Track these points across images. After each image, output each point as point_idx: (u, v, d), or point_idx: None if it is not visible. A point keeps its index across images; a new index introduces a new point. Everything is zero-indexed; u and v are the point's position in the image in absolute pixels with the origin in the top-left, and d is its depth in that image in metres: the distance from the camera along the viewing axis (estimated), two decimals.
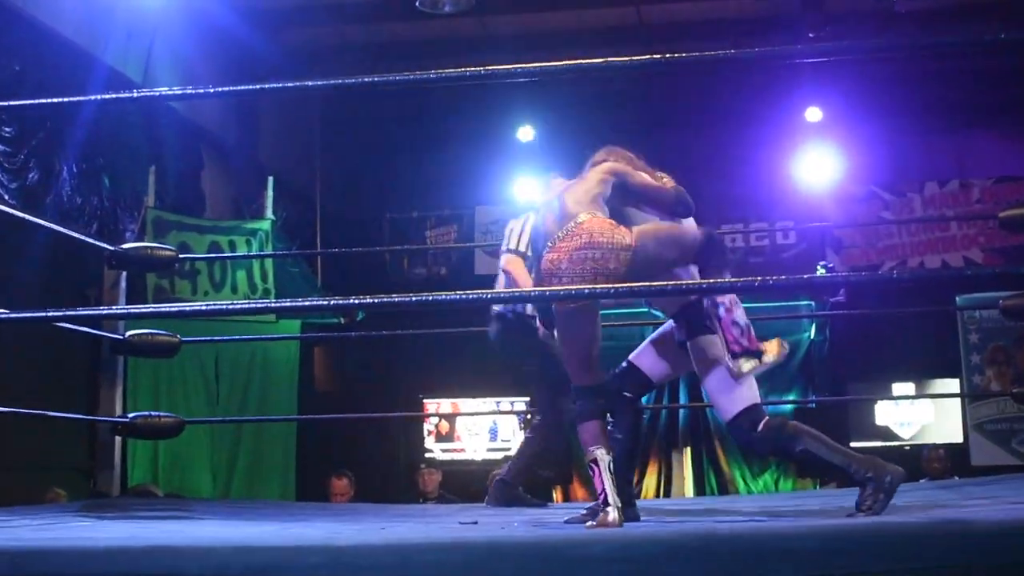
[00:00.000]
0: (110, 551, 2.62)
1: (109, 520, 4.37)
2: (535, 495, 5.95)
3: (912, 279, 5.17)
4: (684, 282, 3.85)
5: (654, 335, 4.22)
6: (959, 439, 11.20)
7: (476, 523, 4.28)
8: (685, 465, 12.12)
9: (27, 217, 4.97)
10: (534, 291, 4.09)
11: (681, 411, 11.98)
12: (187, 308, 4.02)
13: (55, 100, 4.08)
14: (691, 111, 12.22)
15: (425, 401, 12.55)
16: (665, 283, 3.84)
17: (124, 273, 5.88)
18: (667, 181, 4.15)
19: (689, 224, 4.13)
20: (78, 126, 7.83)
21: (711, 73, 11.10)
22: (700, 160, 10.94)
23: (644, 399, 4.53)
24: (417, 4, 9.24)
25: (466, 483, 10.25)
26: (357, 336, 10.94)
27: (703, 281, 3.81)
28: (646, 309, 10.21)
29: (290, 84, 3.45)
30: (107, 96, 3.67)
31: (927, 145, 12.48)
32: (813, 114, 11.83)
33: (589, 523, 3.84)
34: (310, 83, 3.36)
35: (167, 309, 3.88)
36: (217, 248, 9.02)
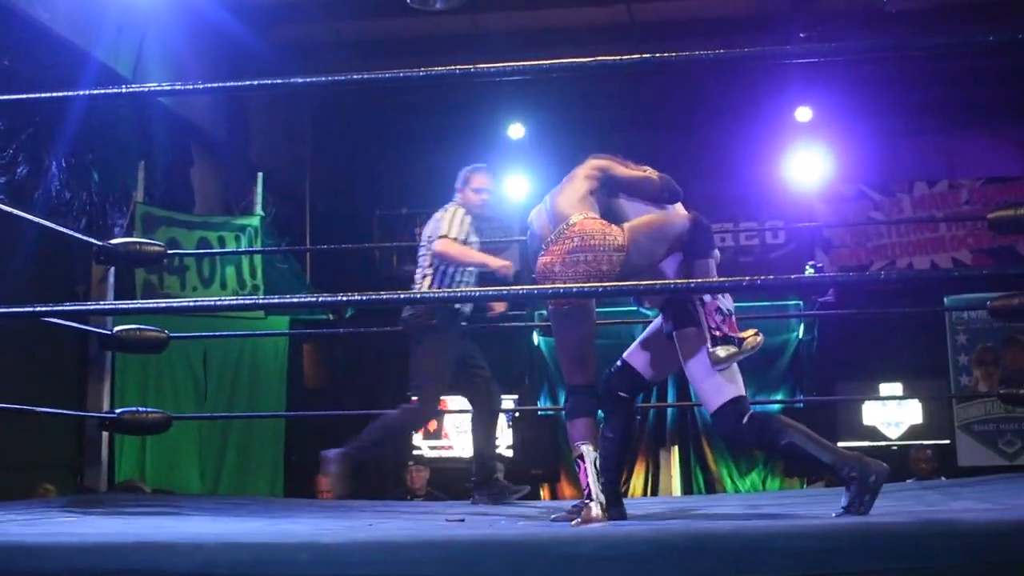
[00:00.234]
0: (97, 547, 2.62)
1: (96, 516, 4.37)
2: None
3: (900, 280, 5.19)
4: (675, 281, 3.86)
5: (645, 333, 4.23)
6: (946, 440, 11.23)
7: (463, 520, 4.29)
8: (673, 464, 12.13)
9: (15, 212, 4.96)
10: (524, 288, 4.09)
11: (669, 410, 11.99)
12: (175, 304, 4.01)
13: (44, 96, 4.06)
14: (681, 110, 12.23)
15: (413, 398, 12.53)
16: (653, 282, 3.85)
17: (112, 268, 5.86)
18: (651, 173, 4.18)
19: (676, 211, 4.14)
20: (67, 121, 7.80)
21: (701, 72, 11.11)
22: (690, 159, 10.94)
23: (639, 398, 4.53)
24: (408, 1, 9.22)
25: (454, 480, 10.23)
26: (346, 332, 10.93)
27: (691, 280, 3.82)
28: (635, 308, 10.28)
29: (280, 81, 3.44)
30: (96, 92, 3.66)
31: (917, 145, 12.51)
32: (803, 114, 11.86)
33: (576, 520, 3.85)
34: (300, 80, 3.36)
35: (156, 305, 3.86)
36: (206, 244, 9.01)
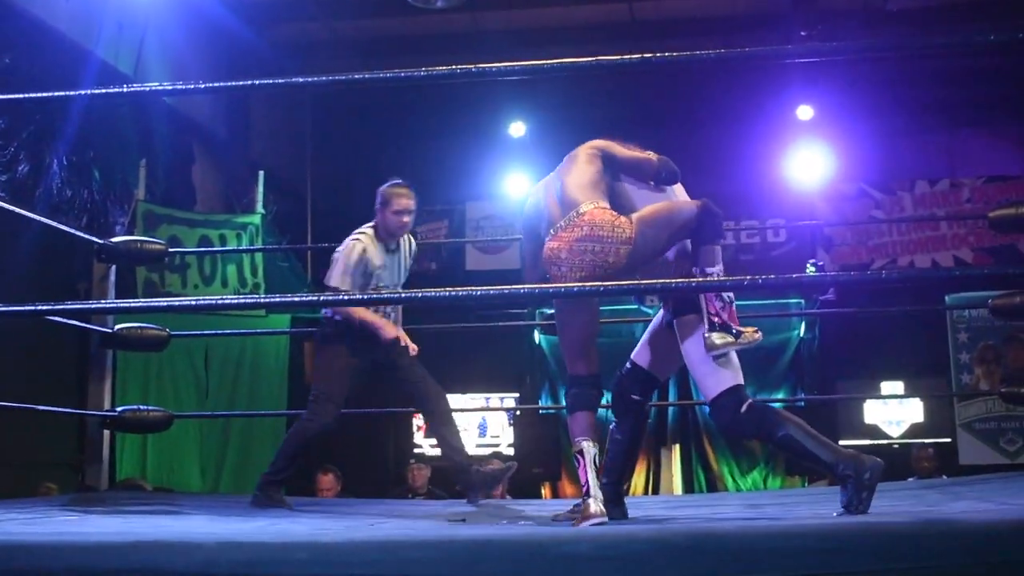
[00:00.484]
0: (97, 546, 2.62)
1: (97, 515, 4.37)
2: (525, 491, 5.97)
3: (902, 279, 5.21)
4: (674, 280, 3.85)
5: (648, 331, 4.22)
6: (947, 438, 11.22)
7: (464, 520, 4.29)
8: (674, 462, 12.12)
9: (16, 210, 4.96)
10: (524, 288, 4.09)
11: (670, 408, 11.98)
12: (176, 303, 4.02)
13: (46, 95, 4.06)
14: (682, 108, 12.22)
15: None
16: (653, 281, 3.85)
17: (114, 266, 5.86)
18: (650, 155, 4.18)
19: (682, 199, 4.14)
20: (68, 119, 7.81)
21: (703, 71, 11.10)
22: (691, 157, 10.80)
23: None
24: None
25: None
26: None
27: (691, 280, 3.82)
28: (637, 307, 10.28)
29: (281, 80, 3.44)
30: (97, 91, 3.66)
31: (918, 144, 12.50)
32: (804, 112, 11.86)
33: (576, 519, 3.84)
34: (301, 79, 3.37)
35: (157, 303, 3.87)
36: (207, 242, 9.01)
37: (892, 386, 11.94)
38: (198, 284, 8.96)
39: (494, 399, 12.43)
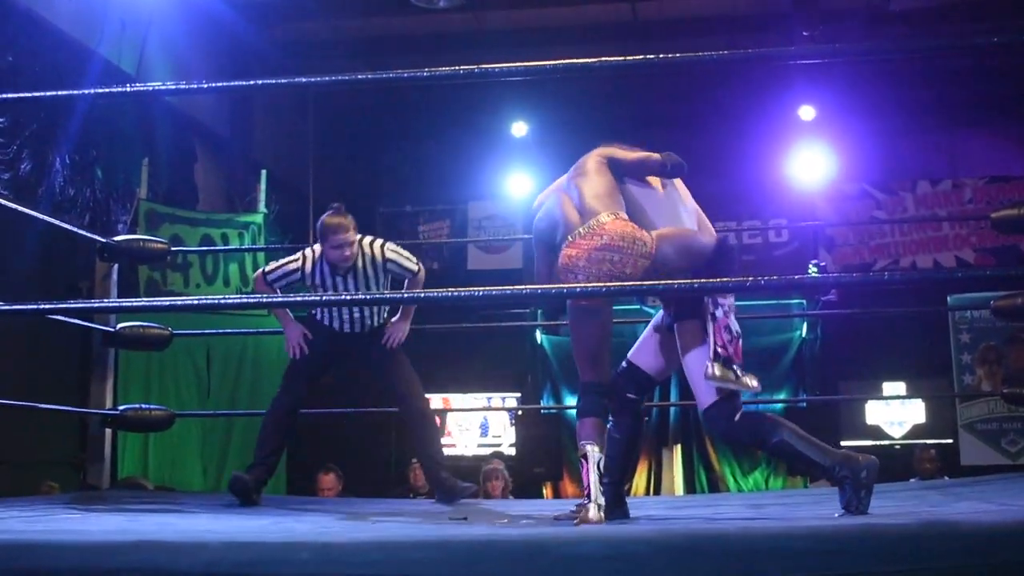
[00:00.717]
0: (99, 545, 2.62)
1: (98, 513, 4.37)
2: (526, 491, 5.98)
3: (903, 280, 5.21)
4: (678, 281, 3.85)
5: (647, 331, 4.22)
6: (949, 439, 11.22)
7: (466, 519, 4.29)
8: (675, 463, 12.11)
9: (19, 208, 4.96)
10: (529, 288, 4.09)
11: (672, 409, 11.98)
12: (179, 302, 4.02)
13: (48, 94, 4.07)
14: (684, 108, 12.23)
15: None
16: (656, 282, 3.84)
17: (116, 265, 5.86)
18: (652, 154, 4.18)
19: (706, 231, 4.12)
20: (71, 118, 7.82)
21: (705, 71, 11.11)
22: (693, 157, 10.77)
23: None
24: None
25: (457, 478, 10.22)
26: None
27: (694, 280, 3.81)
28: (639, 307, 10.27)
29: (284, 80, 3.44)
30: (100, 91, 3.66)
31: (920, 144, 12.51)
32: (806, 112, 11.86)
33: (576, 521, 3.85)
34: (304, 79, 3.36)
35: (159, 303, 3.87)
36: (209, 241, 9.02)
37: (894, 387, 11.94)
38: (200, 283, 8.97)
39: (496, 399, 12.43)
